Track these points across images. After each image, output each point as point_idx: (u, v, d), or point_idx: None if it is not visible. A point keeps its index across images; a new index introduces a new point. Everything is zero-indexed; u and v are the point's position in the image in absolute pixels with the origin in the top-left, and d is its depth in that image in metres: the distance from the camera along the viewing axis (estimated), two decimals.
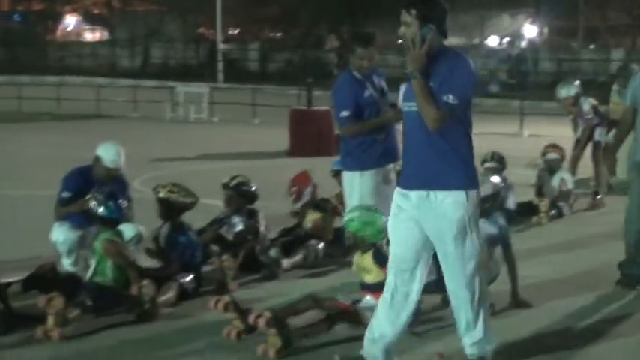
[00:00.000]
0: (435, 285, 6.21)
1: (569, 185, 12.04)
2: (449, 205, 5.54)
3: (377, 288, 6.46)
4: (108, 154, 8.29)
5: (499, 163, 11.30)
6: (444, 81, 5.51)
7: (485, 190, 7.27)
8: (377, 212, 7.07)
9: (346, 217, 7.13)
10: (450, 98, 5.46)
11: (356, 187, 7.94)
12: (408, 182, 5.70)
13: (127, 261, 7.37)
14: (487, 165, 11.13)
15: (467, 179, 5.61)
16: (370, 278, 6.94)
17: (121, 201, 7.73)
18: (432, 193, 5.56)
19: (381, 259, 6.70)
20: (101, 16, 68.54)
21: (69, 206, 8.20)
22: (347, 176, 8.09)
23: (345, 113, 7.87)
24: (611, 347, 6.71)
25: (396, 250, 5.75)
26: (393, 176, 8.09)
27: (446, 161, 5.56)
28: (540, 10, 50.66)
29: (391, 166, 8.12)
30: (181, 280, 7.76)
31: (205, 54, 53.11)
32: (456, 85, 5.51)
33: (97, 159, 8.30)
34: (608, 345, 6.75)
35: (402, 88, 5.87)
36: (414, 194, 5.62)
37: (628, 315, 7.49)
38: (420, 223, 5.64)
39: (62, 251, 8.17)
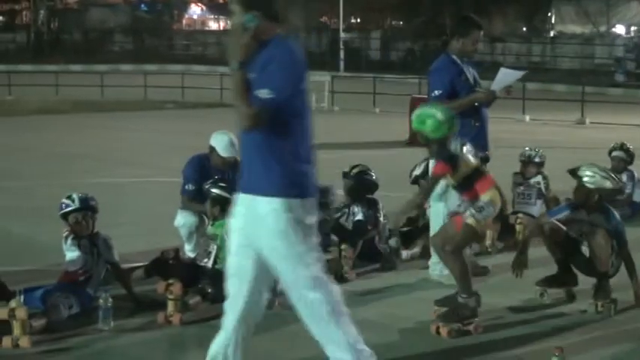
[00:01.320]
0: None
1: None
2: (268, 214, 4.94)
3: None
4: (221, 143, 8.36)
5: (627, 153, 11.07)
6: (261, 73, 4.88)
7: (608, 184, 7.16)
8: (438, 107, 6.80)
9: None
10: (265, 93, 4.82)
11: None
12: (240, 184, 5.14)
13: None
14: (614, 154, 11.05)
15: (286, 185, 4.93)
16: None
17: None
18: (255, 197, 4.99)
19: (442, 156, 6.56)
20: (225, 5, 69.45)
21: (195, 203, 8.28)
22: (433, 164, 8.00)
23: (436, 92, 7.86)
24: None
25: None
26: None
27: (267, 164, 4.94)
28: None
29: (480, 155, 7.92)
30: None
31: (327, 43, 53.37)
32: (273, 78, 4.84)
33: (212, 149, 8.39)
34: None
35: None
36: (242, 197, 5.08)
37: None
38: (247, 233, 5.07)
39: (183, 234, 8.31)
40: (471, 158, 6.65)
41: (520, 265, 7.32)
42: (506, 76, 8.08)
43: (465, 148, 6.62)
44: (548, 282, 7.55)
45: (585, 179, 7.20)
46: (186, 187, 8.40)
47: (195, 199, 8.24)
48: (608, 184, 7.27)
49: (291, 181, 4.94)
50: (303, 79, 4.97)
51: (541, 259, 7.97)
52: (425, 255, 8.51)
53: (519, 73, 8.16)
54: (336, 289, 5.20)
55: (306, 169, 5.01)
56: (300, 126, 4.99)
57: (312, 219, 5.02)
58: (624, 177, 10.96)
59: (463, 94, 7.93)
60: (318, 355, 5.31)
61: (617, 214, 7.37)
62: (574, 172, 7.29)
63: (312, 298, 5.07)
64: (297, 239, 4.95)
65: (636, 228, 10.32)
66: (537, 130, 20.86)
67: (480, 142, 7.99)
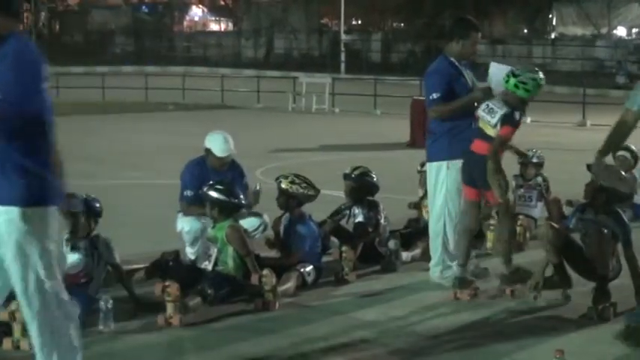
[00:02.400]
0: None
1: None
2: (2, 224, 4.64)
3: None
4: (216, 143, 8.34)
5: (632, 154, 11.06)
6: None
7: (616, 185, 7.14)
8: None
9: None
10: None
11: (442, 179, 7.84)
12: None
13: (247, 250, 7.43)
14: (619, 154, 11.03)
15: (23, 194, 4.60)
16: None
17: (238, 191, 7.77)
18: None
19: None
20: (226, 6, 69.54)
21: (194, 207, 8.28)
22: (432, 168, 8.00)
23: (434, 95, 7.83)
24: None
25: None
26: None
27: (2, 171, 4.59)
28: None
29: None
30: (301, 271, 7.79)
31: (328, 44, 53.41)
32: (4, 79, 4.49)
33: (207, 151, 8.38)
34: None
35: None
36: None
37: None
38: None
39: (187, 240, 8.29)
40: None
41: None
42: (499, 70, 8.02)
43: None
44: (543, 284, 7.54)
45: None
46: (185, 193, 8.38)
47: (194, 204, 8.23)
48: (620, 186, 7.24)
49: (29, 189, 4.61)
50: (40, 80, 4.61)
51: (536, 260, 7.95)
52: (425, 257, 8.50)
53: (508, 68, 8.01)
54: (73, 310, 4.93)
55: (47, 176, 4.67)
56: (39, 130, 4.63)
57: (52, 229, 4.74)
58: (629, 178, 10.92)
59: (461, 97, 7.90)
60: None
61: (625, 217, 7.36)
62: (590, 167, 7.11)
63: (41, 312, 4.76)
64: (32, 250, 4.67)
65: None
66: (538, 132, 20.83)
67: None
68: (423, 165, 9.31)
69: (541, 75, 7.47)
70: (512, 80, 7.40)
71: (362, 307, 7.36)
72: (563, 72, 43.74)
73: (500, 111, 7.35)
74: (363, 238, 8.69)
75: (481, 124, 7.47)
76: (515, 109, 7.38)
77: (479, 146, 7.43)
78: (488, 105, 7.44)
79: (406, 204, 9.87)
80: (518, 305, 7.40)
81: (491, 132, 7.37)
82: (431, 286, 7.96)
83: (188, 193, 8.33)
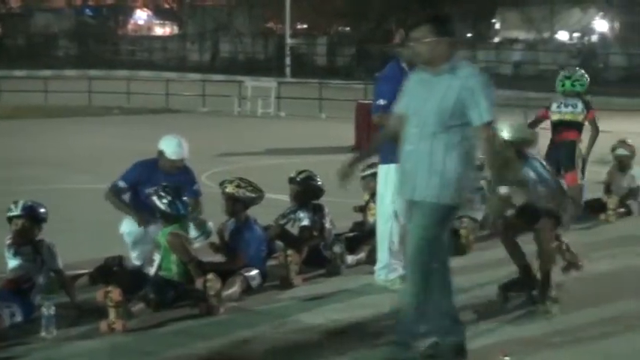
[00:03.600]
0: None
1: (639, 182, 11.83)
2: None
3: None
4: (170, 146, 8.33)
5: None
6: None
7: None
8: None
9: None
10: None
11: (390, 181, 7.89)
12: None
13: (189, 257, 7.40)
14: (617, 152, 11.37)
15: None
16: None
17: (185, 198, 7.74)
18: None
19: None
20: (171, 10, 69.19)
21: (121, 202, 8.26)
22: (382, 170, 8.07)
23: (381, 101, 7.84)
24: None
25: None
26: None
27: None
28: (611, 4, 49.93)
29: None
30: (246, 275, 7.77)
31: (273, 48, 53.37)
32: None
33: (160, 153, 8.35)
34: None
35: None
36: None
37: None
38: None
39: (128, 243, 8.25)
40: None
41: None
42: None
43: None
44: (510, 286, 7.64)
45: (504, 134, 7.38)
46: (118, 182, 8.37)
47: (118, 195, 8.24)
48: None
49: None
50: None
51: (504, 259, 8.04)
52: (370, 260, 8.53)
53: None
54: None
55: None
56: None
57: None
58: None
59: None
60: None
61: (538, 165, 7.56)
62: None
63: None
64: None
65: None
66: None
67: None
68: (364, 169, 9.36)
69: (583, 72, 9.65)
70: (568, 82, 9.65)
71: (307, 310, 7.37)
72: (506, 75, 44.13)
73: (579, 102, 9.55)
74: (308, 242, 8.70)
75: (564, 117, 9.55)
76: (585, 99, 9.56)
77: (567, 134, 9.50)
78: (560, 103, 9.61)
79: (351, 207, 9.89)
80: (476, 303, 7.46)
81: (578, 118, 9.56)
82: (376, 289, 7.99)
83: (120, 183, 8.37)
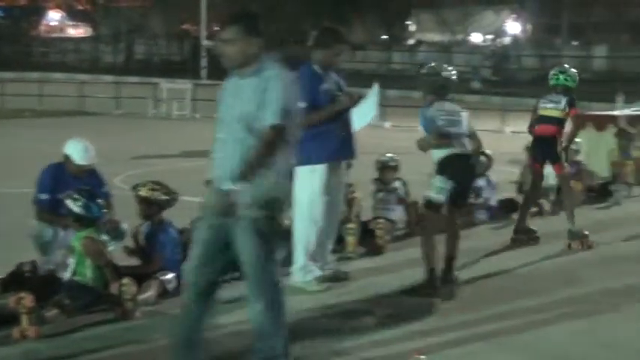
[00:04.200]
0: None
1: (551, 181, 12.03)
2: None
3: None
4: (75, 151, 8.24)
5: (486, 158, 11.40)
6: None
7: None
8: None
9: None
10: None
11: (307, 183, 7.93)
12: None
13: (105, 261, 7.33)
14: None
15: None
16: None
17: (99, 200, 7.66)
18: None
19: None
20: (85, 11, 68.32)
21: (48, 214, 8.13)
22: (299, 172, 8.09)
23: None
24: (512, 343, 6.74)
25: None
26: (344, 173, 8.16)
27: None
28: (524, 7, 50.78)
29: (346, 162, 8.16)
30: (162, 278, 7.72)
31: (189, 50, 53.06)
32: None
33: (66, 157, 8.25)
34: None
35: None
36: None
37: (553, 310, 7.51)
38: None
39: (38, 246, 8.12)
40: None
41: None
42: (368, 102, 8.16)
43: None
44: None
45: None
46: (39, 196, 8.23)
47: (47, 208, 8.08)
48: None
49: None
50: None
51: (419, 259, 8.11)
52: (287, 262, 8.53)
53: (373, 108, 8.20)
54: None
55: None
56: None
57: None
58: (483, 181, 11.25)
59: (324, 104, 7.97)
60: None
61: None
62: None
63: None
64: None
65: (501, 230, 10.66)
66: (398, 137, 21.15)
67: (347, 150, 8.08)
68: None
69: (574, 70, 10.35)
70: (562, 76, 10.10)
71: (223, 313, 7.30)
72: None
73: (563, 98, 9.93)
74: None
75: (545, 112, 9.97)
76: (571, 96, 10.00)
77: (546, 129, 9.94)
78: (546, 99, 10.06)
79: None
80: (383, 306, 7.51)
81: (558, 114, 9.92)
82: (293, 290, 7.97)
83: (42, 196, 8.19)
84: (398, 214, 10.40)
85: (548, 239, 10.18)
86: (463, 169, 8.07)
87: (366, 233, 9.67)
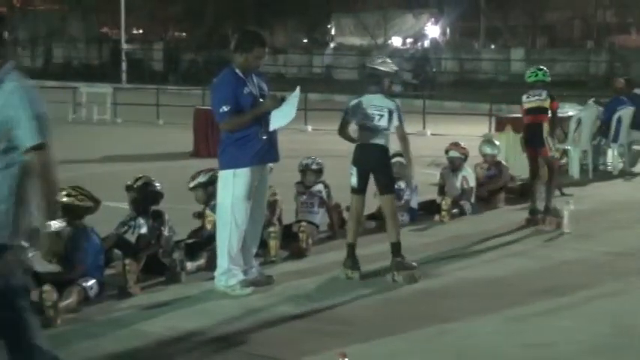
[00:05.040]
0: None
1: (472, 183, 12.21)
2: None
3: None
4: None
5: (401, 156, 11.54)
6: None
7: None
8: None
9: None
10: None
11: (229, 187, 7.95)
12: None
13: (23, 267, 7.21)
14: (394, 160, 11.49)
15: None
16: None
17: None
18: None
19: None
20: (1, 14, 67.12)
21: None
22: (221, 176, 8.11)
23: (225, 108, 7.90)
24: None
25: None
26: (268, 176, 8.19)
27: None
28: (443, 11, 51.32)
29: (268, 165, 8.20)
30: (84, 285, 7.65)
31: (108, 54, 52.55)
32: None
33: None
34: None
35: None
36: None
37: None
38: None
39: None
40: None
41: None
42: (288, 105, 8.17)
43: None
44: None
45: None
46: None
47: None
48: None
49: None
50: None
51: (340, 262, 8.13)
52: (210, 266, 8.53)
53: (292, 112, 8.22)
54: None
55: None
56: None
57: None
58: (403, 184, 11.35)
59: (247, 107, 7.97)
60: None
61: None
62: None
63: None
64: None
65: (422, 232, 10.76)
66: (319, 140, 21.22)
67: (270, 153, 8.10)
68: (190, 181, 9.56)
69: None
70: (540, 73, 11.60)
71: (147, 319, 7.30)
72: (342, 81, 44.79)
73: (543, 92, 11.41)
74: (146, 250, 8.62)
75: (531, 105, 11.46)
76: (549, 91, 11.52)
77: (535, 118, 11.41)
78: (529, 94, 11.50)
79: (191, 213, 9.86)
80: (308, 309, 7.54)
81: (542, 104, 11.39)
82: (217, 295, 7.99)
83: None
84: (321, 217, 10.44)
85: (465, 241, 10.32)
86: (363, 157, 8.72)
87: (290, 237, 9.70)
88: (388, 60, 9.07)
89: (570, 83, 35.89)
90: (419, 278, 8.51)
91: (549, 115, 11.47)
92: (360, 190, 8.75)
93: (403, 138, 8.72)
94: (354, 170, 8.76)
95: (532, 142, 11.54)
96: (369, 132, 8.68)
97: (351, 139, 8.97)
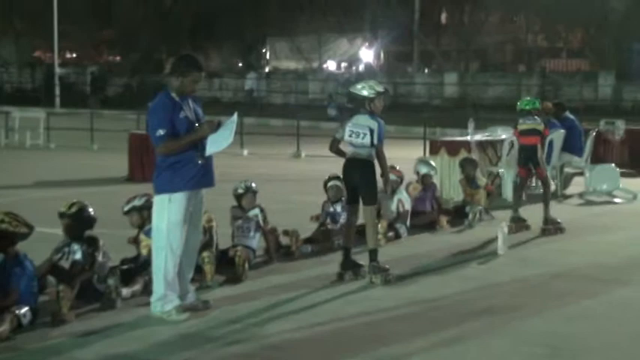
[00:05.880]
0: None
1: (407, 206, 12.28)
2: None
3: None
4: None
5: (342, 181, 11.60)
6: None
7: None
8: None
9: None
10: None
11: (164, 211, 7.91)
12: None
13: None
14: (330, 184, 11.57)
15: None
16: None
17: None
18: None
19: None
20: None
21: None
22: (156, 200, 8.07)
23: (161, 132, 7.87)
24: None
25: None
26: (202, 201, 8.17)
27: None
28: (377, 35, 51.72)
29: (203, 191, 8.17)
30: (17, 312, 7.53)
31: (41, 78, 52.06)
32: None
33: None
34: None
35: None
36: None
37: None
38: None
39: None
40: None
41: None
42: (225, 129, 8.16)
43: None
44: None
45: None
46: None
47: None
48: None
49: None
50: None
51: (278, 286, 8.08)
52: (146, 292, 8.46)
53: (230, 135, 8.21)
54: None
55: None
56: None
57: None
58: (339, 207, 11.40)
59: (183, 131, 7.94)
60: None
61: None
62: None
63: None
64: None
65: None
66: (255, 164, 21.24)
67: (206, 178, 8.07)
68: (124, 205, 9.53)
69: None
70: (537, 101, 13.28)
71: (81, 346, 7.22)
72: (278, 105, 44.86)
73: (539, 119, 12.86)
74: (80, 276, 8.51)
75: (528, 127, 12.70)
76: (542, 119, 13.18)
77: (531, 140, 12.69)
78: (526, 118, 12.75)
79: (125, 238, 9.78)
80: (241, 335, 7.51)
81: (538, 127, 12.72)
82: (153, 320, 7.93)
83: None
84: (257, 241, 10.42)
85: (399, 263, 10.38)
86: (349, 170, 9.71)
87: (226, 262, 9.66)
88: (372, 83, 9.90)
89: (503, 107, 36.36)
90: (393, 279, 9.42)
91: (541, 137, 12.88)
92: (349, 200, 9.85)
93: (379, 154, 9.59)
94: (340, 182, 10.26)
95: (526, 162, 12.80)
96: (353, 147, 9.65)
97: (340, 154, 9.88)
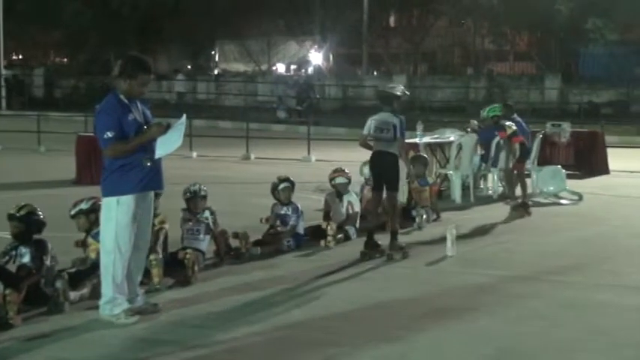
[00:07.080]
0: None
1: (356, 208, 12.32)
2: None
3: None
4: None
5: (292, 184, 11.64)
6: None
7: None
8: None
9: None
10: None
11: (112, 214, 7.87)
12: None
13: None
14: (281, 186, 11.54)
15: None
16: None
17: None
18: None
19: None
20: None
21: None
22: (104, 203, 8.02)
23: (109, 134, 7.82)
24: None
25: None
26: (151, 204, 8.14)
27: None
28: (326, 38, 51.79)
29: (152, 193, 8.14)
30: None
31: None
32: None
33: None
34: None
35: None
36: None
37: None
38: None
39: None
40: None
41: None
42: (175, 131, 8.11)
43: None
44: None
45: None
46: None
47: None
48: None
49: None
50: None
51: (226, 289, 8.06)
52: (94, 295, 8.40)
53: (179, 138, 8.17)
54: None
55: None
56: None
57: None
58: (289, 209, 11.42)
59: (132, 134, 7.90)
60: None
61: None
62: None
63: None
64: None
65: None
66: (205, 166, 21.16)
67: (155, 181, 8.03)
68: (71, 209, 9.45)
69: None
70: (497, 108, 15.36)
71: (29, 350, 7.15)
72: (227, 107, 44.72)
73: (510, 123, 14.87)
74: (27, 280, 8.42)
75: (514, 129, 14.64)
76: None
77: (519, 138, 14.63)
78: (510, 121, 14.98)
79: (73, 242, 9.70)
80: (192, 336, 7.49)
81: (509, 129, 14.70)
82: (102, 324, 7.87)
83: None
84: (207, 243, 10.39)
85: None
86: (376, 161, 10.94)
87: (175, 264, 9.62)
88: (396, 85, 11.57)
89: (451, 109, 36.59)
90: (409, 255, 10.78)
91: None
92: (375, 187, 11.08)
93: (402, 148, 10.92)
94: (368, 171, 11.67)
95: (525, 158, 14.92)
96: (379, 142, 10.92)
97: (368, 147, 11.15)
